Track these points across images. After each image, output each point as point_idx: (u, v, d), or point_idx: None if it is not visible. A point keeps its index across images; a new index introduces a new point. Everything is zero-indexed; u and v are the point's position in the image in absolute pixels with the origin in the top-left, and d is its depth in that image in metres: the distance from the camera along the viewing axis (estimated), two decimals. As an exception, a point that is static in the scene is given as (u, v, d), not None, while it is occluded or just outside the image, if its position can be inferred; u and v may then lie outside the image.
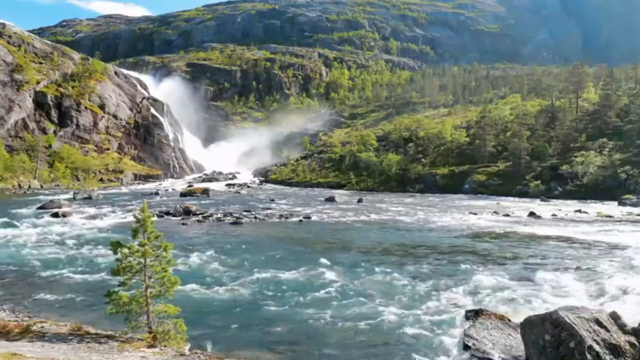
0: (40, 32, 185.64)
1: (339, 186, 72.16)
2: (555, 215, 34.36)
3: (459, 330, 9.92)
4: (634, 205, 40.83)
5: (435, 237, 24.15)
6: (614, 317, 8.18)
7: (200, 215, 30.89)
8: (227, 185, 76.83)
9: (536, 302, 12.28)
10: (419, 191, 62.67)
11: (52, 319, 10.30)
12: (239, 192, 60.99)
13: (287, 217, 31.56)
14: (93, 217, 29.58)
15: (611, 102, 67.78)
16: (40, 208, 32.76)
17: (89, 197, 43.47)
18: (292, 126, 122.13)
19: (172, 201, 42.77)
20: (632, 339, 7.83)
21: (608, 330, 7.74)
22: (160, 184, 76.17)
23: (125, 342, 8.44)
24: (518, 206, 41.70)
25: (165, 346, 8.38)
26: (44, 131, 76.91)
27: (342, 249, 20.24)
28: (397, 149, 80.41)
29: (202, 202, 42.78)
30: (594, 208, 39.01)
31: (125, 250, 8.59)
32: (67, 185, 66.84)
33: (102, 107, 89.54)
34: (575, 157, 55.67)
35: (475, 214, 35.04)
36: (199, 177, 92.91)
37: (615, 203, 43.42)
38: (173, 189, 62.42)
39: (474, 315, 9.91)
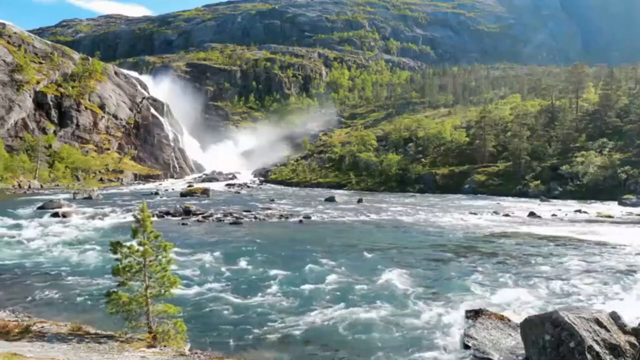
0: (40, 32, 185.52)
1: (339, 186, 72.17)
2: (555, 215, 34.36)
3: (459, 330, 9.91)
4: (634, 205, 40.87)
5: (435, 237, 24.14)
6: (614, 317, 8.18)
7: (200, 215, 30.86)
8: (227, 185, 76.82)
9: (536, 302, 12.28)
10: (419, 191, 62.70)
11: (52, 319, 10.29)
12: (239, 192, 60.98)
13: (287, 217, 31.54)
14: (93, 217, 29.55)
15: (611, 102, 67.82)
16: (40, 208, 32.72)
17: (89, 197, 43.44)
18: (292, 126, 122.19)
19: (172, 201, 42.75)
20: (632, 339, 7.83)
21: (608, 330, 7.74)
22: (160, 184, 76.15)
23: (125, 342, 8.44)
24: (518, 206, 41.71)
25: (165, 346, 8.37)
26: (44, 131, 76.90)
27: (342, 249, 20.23)
28: (397, 149, 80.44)
29: (202, 202, 42.77)
30: (594, 208, 39.02)
31: (125, 250, 8.58)
32: (67, 185, 66.79)
33: (102, 107, 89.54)
34: (575, 157, 55.68)
35: (475, 214, 35.04)
36: (199, 177, 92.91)
37: (615, 203, 43.47)
38: (173, 189, 62.39)
39: (474, 315, 9.90)
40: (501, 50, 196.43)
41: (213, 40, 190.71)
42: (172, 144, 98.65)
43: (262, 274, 15.17)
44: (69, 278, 14.56)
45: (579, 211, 36.69)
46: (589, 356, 7.36)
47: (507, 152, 64.98)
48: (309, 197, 52.61)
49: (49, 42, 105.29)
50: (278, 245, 20.88)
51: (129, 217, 28.07)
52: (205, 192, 51.25)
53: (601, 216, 33.74)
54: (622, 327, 8.00)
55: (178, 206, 34.76)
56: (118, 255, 8.64)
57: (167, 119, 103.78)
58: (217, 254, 18.06)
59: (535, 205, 42.74)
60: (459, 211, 36.92)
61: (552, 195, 51.85)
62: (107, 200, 42.25)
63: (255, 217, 30.95)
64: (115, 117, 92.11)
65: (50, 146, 74.44)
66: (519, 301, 12.36)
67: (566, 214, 34.97)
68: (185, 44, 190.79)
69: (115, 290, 8.68)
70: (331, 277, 14.70)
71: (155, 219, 28.00)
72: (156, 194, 53.05)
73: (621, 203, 42.80)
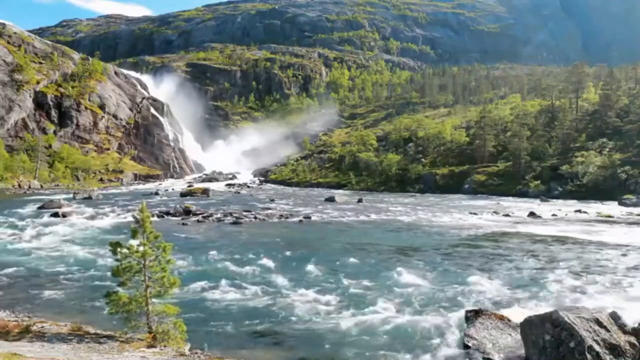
0: (40, 32, 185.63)
1: (339, 186, 72.17)
2: (555, 215, 34.35)
3: (459, 330, 9.91)
4: (634, 205, 40.85)
5: (435, 237, 24.14)
6: (614, 317, 8.18)
7: (200, 216, 30.86)
8: (227, 185, 76.85)
9: (536, 302, 12.28)
10: (419, 191, 62.70)
11: (52, 319, 10.29)
12: (239, 192, 60.99)
13: (287, 217, 31.53)
14: (93, 217, 29.57)
15: (611, 102, 67.76)
16: (40, 208, 32.74)
17: (89, 197, 43.45)
18: (292, 126, 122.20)
19: (172, 201, 42.76)
20: (632, 339, 7.83)
21: (608, 330, 7.74)
22: (160, 184, 76.18)
23: (125, 342, 8.44)
24: (518, 206, 41.70)
25: (165, 346, 8.37)
26: (44, 131, 76.93)
27: (341, 249, 20.23)
28: (397, 149, 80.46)
29: (202, 202, 42.77)
30: (594, 208, 39.00)
31: (125, 251, 8.58)
32: (67, 185, 66.84)
33: (102, 107, 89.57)
34: (575, 157, 55.63)
35: (475, 214, 35.03)
36: (199, 177, 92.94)
37: (615, 203, 43.43)
38: (173, 189, 62.40)
39: (474, 315, 9.90)
40: (501, 50, 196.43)
41: (213, 40, 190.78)
42: (172, 144, 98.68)
43: (262, 274, 15.17)
44: (69, 278, 14.56)
45: (579, 211, 36.67)
46: (589, 356, 7.36)
47: (507, 152, 64.94)
48: (309, 197, 52.61)
49: (49, 42, 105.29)
50: (278, 245, 20.88)
51: (129, 217, 28.08)
52: (205, 192, 51.26)
53: (601, 216, 33.72)
54: (622, 327, 8.00)
55: (178, 206, 34.77)
56: (118, 256, 8.63)
57: (167, 119, 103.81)
58: (217, 254, 18.06)
59: (535, 205, 42.72)
60: (459, 211, 36.91)
61: (552, 195, 51.83)
62: (107, 200, 42.26)
63: (255, 217, 30.95)
64: (115, 117, 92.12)
65: (50, 146, 74.46)
66: (519, 301, 12.36)
67: (566, 214, 34.96)
68: (185, 44, 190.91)
69: (115, 290, 8.68)
70: (331, 277, 14.70)
71: (155, 219, 28.02)
72: (156, 194, 53.05)
73: (621, 203, 42.76)
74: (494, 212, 36.28)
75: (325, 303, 12.16)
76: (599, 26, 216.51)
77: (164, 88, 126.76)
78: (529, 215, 33.82)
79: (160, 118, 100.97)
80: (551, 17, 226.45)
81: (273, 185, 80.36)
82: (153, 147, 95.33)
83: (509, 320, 9.80)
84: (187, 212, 31.95)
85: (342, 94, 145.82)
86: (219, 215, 31.12)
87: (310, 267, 15.90)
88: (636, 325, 8.15)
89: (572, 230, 26.11)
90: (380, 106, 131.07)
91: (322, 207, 39.23)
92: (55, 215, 28.87)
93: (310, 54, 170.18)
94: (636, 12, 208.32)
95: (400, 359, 8.98)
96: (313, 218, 31.75)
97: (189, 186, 64.41)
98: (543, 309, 10.97)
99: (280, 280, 14.37)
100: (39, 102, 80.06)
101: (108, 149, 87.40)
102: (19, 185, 60.72)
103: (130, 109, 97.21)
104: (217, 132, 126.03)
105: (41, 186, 63.14)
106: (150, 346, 8.28)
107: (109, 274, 9.56)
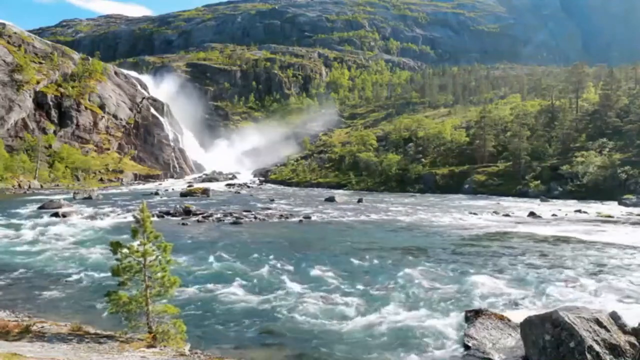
0: (40, 32, 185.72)
1: (339, 186, 72.19)
2: (556, 215, 34.34)
3: (459, 330, 9.91)
4: (634, 205, 40.85)
5: (435, 237, 24.14)
6: (614, 317, 8.18)
7: (200, 215, 30.86)
8: (227, 185, 76.88)
9: (536, 302, 12.28)
10: (419, 191, 62.71)
11: (52, 319, 10.28)
12: (239, 192, 61.00)
13: (287, 217, 31.52)
14: (93, 217, 29.56)
15: (611, 102, 67.75)
16: (40, 208, 32.75)
17: (89, 197, 43.46)
18: (292, 126, 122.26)
19: (172, 201, 42.75)
20: (632, 339, 7.82)
21: (608, 330, 7.74)
22: (160, 184, 76.19)
23: (125, 342, 8.43)
24: (518, 206, 41.69)
25: (165, 346, 8.37)
26: (44, 131, 76.96)
27: (341, 249, 20.22)
28: (397, 149, 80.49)
29: (202, 202, 42.77)
30: (594, 208, 38.99)
31: (125, 251, 8.58)
32: (67, 185, 66.86)
33: (102, 107, 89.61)
34: (575, 157, 55.63)
35: (475, 214, 35.02)
36: (199, 177, 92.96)
37: (615, 203, 43.43)
38: (173, 189, 62.41)
39: (474, 315, 9.90)
40: (501, 50, 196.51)
41: (213, 40, 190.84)
42: (172, 144, 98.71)
43: (263, 274, 15.17)
44: (69, 278, 14.56)
45: (579, 211, 36.66)
46: (589, 356, 7.36)
47: (507, 152, 64.95)
48: (309, 197, 52.62)
49: (49, 42, 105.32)
50: (278, 245, 20.88)
51: (129, 217, 28.08)
52: (205, 192, 51.27)
53: (601, 216, 33.71)
54: (622, 327, 8.00)
55: (178, 206, 34.76)
56: (118, 256, 8.63)
57: (167, 119, 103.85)
58: (217, 254, 18.06)
59: (535, 205, 42.71)
60: (458, 211, 36.90)
61: (552, 195, 51.83)
62: (107, 200, 42.27)
63: (255, 217, 30.94)
64: (115, 117, 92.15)
65: (50, 146, 74.50)
66: (519, 301, 12.36)
67: (566, 214, 34.95)
68: (185, 44, 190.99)
69: (115, 290, 8.68)
70: (330, 277, 14.70)
71: (155, 219, 28.01)
72: (156, 194, 53.06)
73: (621, 203, 42.76)
74: (494, 212, 36.28)
75: (325, 303, 12.15)
76: (599, 26, 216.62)
77: (164, 88, 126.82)
78: (529, 215, 33.82)
79: (160, 118, 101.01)
80: (551, 17, 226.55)
81: (273, 185, 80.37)
82: (153, 147, 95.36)
83: (509, 320, 9.80)
84: (187, 212, 31.95)
85: (342, 94, 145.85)
86: (219, 215, 31.11)
87: (310, 267, 15.90)
88: (636, 325, 8.15)
89: (572, 230, 26.10)
90: (380, 106, 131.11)
91: (322, 207, 39.23)
92: (56, 215, 28.87)
93: (310, 54, 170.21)
94: (636, 12, 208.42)
95: (400, 358, 8.98)
96: (313, 218, 31.75)
97: (189, 186, 64.41)
98: (543, 309, 10.97)
99: (281, 280, 14.37)
100: (39, 102, 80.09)
101: (108, 149, 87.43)
102: (19, 185, 60.73)
103: (130, 109, 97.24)
104: (217, 132, 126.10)
105: (41, 186, 63.15)
106: (150, 346, 8.28)
107: (109, 274, 9.56)
